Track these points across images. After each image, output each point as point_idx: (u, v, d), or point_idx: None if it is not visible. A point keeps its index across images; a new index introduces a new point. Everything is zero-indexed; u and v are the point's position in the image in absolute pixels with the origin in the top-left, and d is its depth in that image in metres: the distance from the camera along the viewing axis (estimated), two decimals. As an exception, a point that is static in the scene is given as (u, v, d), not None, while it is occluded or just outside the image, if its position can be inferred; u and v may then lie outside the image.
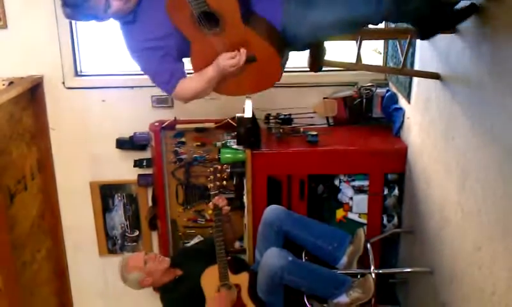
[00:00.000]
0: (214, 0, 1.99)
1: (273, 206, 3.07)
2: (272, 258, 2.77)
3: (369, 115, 3.65)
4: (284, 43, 2.19)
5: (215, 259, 2.89)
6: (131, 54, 2.24)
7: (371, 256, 2.94)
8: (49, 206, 3.97)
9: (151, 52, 2.20)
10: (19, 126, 3.56)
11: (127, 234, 4.13)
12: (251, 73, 2.21)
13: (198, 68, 2.22)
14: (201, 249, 3.20)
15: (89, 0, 2.04)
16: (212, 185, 2.95)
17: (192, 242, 3.82)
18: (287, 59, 2.32)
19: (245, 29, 2.07)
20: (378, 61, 3.84)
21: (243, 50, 2.11)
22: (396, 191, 3.37)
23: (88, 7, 2.06)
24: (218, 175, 2.96)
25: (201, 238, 3.80)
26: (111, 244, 4.16)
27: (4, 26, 3.61)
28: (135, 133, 3.81)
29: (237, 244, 3.75)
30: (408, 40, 2.58)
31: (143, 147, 3.86)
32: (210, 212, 3.48)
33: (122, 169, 3.93)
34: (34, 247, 3.77)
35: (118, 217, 4.09)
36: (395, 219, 3.42)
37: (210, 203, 2.95)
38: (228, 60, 2.12)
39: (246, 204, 3.42)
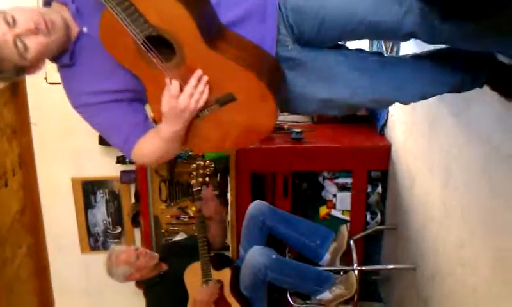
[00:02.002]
0: (158, 18, 1.38)
1: (257, 202, 3.07)
2: (255, 255, 2.76)
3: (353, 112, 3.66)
4: (280, 75, 1.55)
5: (198, 255, 2.88)
6: (73, 107, 1.67)
7: (354, 253, 2.95)
8: (30, 203, 3.92)
9: (98, 107, 1.63)
10: (0, 121, 3.51)
11: (109, 231, 4.09)
12: (229, 122, 1.57)
13: (158, 117, 1.58)
14: (186, 244, 3.19)
15: None
16: (194, 181, 2.93)
17: (176, 239, 3.80)
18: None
19: (212, 54, 1.42)
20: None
21: (202, 82, 1.46)
22: (379, 188, 3.39)
23: None
24: (201, 171, 2.94)
25: (185, 236, 3.79)
26: (93, 240, 4.12)
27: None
28: (118, 129, 3.78)
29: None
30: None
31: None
32: (193, 209, 3.46)
33: (105, 165, 3.89)
34: (15, 243, 3.72)
35: (100, 213, 4.05)
36: (379, 216, 3.44)
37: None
38: (172, 100, 1.46)
39: (229, 201, 3.41)
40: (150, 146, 1.64)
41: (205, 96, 1.48)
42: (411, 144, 2.86)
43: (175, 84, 1.46)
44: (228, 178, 3.37)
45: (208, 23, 1.45)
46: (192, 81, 1.46)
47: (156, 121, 1.63)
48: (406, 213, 2.94)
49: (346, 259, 2.99)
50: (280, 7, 1.54)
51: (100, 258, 3.11)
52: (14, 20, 1.46)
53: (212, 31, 1.46)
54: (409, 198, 2.89)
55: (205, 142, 1.67)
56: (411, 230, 2.85)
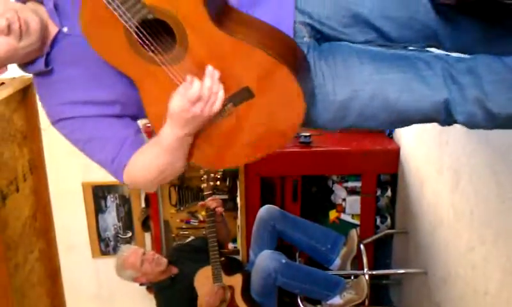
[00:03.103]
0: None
1: (267, 206, 3.07)
2: (265, 260, 2.76)
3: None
4: (304, 61, 1.29)
5: (209, 258, 2.89)
6: (50, 122, 1.45)
7: (364, 257, 2.94)
8: (41, 208, 3.94)
9: (80, 121, 1.38)
10: (10, 127, 3.54)
11: (119, 235, 4.10)
12: (246, 123, 1.28)
13: (158, 128, 1.29)
14: (196, 246, 3.19)
15: None
16: (205, 185, 2.94)
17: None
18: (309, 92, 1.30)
19: (222, 36, 1.15)
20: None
21: (215, 79, 1.19)
22: (389, 192, 3.38)
23: None
24: (211, 176, 2.95)
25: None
26: (103, 245, 4.13)
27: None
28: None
29: (230, 245, 3.75)
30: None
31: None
32: (203, 213, 3.47)
33: (115, 170, 3.90)
34: (27, 248, 3.75)
35: (111, 218, 4.06)
36: (388, 220, 3.43)
37: (202, 203, 2.94)
38: (187, 102, 1.19)
39: (239, 206, 3.41)
40: (148, 160, 1.34)
41: (221, 99, 1.21)
42: (420, 147, 2.84)
43: (196, 86, 1.17)
44: (238, 183, 3.38)
45: (216, 0, 1.19)
46: (208, 81, 1.18)
47: (149, 131, 1.39)
48: (416, 217, 2.92)
49: (356, 263, 2.98)
50: None
51: (111, 262, 3.13)
52: None
53: (219, 9, 1.19)
54: (418, 202, 2.88)
55: (216, 153, 1.35)
56: (421, 234, 2.83)
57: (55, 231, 4.10)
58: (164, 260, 2.99)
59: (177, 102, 1.21)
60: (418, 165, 2.89)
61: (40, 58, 1.34)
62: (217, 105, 1.21)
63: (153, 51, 1.19)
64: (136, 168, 1.37)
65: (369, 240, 3.27)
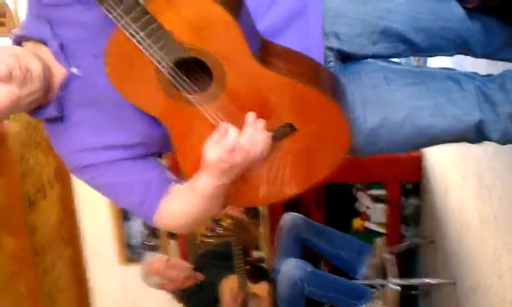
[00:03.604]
0: (190, 34, 1.04)
1: (291, 214, 3.05)
2: (291, 268, 2.75)
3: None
4: (344, 92, 1.24)
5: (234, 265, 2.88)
6: (69, 169, 1.34)
7: (390, 267, 2.91)
8: (68, 215, 4.00)
9: (102, 167, 1.29)
10: (36, 134, 3.60)
11: (145, 243, 4.13)
12: (288, 159, 1.23)
13: (190, 170, 1.23)
14: (221, 252, 3.18)
15: None
16: None
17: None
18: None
19: (262, 72, 1.10)
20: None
21: (259, 128, 1.13)
22: (414, 200, 3.34)
23: None
24: None
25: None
26: (130, 252, 4.16)
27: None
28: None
29: (255, 253, 3.74)
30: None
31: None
32: (228, 221, 3.47)
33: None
34: (55, 254, 3.80)
35: (137, 225, 4.09)
36: (415, 228, 3.38)
37: (224, 211, 2.94)
38: (225, 152, 1.12)
39: (263, 214, 3.40)
40: (183, 208, 1.28)
41: (265, 144, 1.14)
42: (443, 154, 2.81)
43: (232, 134, 1.10)
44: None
45: (252, 33, 1.13)
46: (250, 129, 1.12)
47: (179, 174, 1.31)
48: (442, 224, 2.88)
49: (382, 273, 2.95)
50: (323, 13, 1.27)
51: (137, 269, 3.15)
52: None
53: (258, 42, 1.14)
54: (444, 209, 2.84)
55: (256, 191, 1.28)
56: (448, 242, 2.79)
57: (82, 238, 4.16)
58: (188, 266, 3.00)
59: (213, 150, 1.13)
60: (442, 172, 2.85)
61: (50, 103, 1.25)
62: (262, 151, 1.15)
63: (186, 90, 1.12)
64: (169, 215, 1.31)
65: (395, 248, 3.23)
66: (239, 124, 1.13)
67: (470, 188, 2.40)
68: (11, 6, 3.48)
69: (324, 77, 1.21)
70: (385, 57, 1.34)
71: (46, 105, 1.25)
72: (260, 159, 1.16)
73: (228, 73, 1.09)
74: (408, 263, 3.47)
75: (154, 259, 3.01)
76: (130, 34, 1.02)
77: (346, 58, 1.32)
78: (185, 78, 1.10)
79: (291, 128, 1.17)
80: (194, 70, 1.11)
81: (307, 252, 3.01)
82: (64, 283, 3.95)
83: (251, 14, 1.14)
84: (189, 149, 1.21)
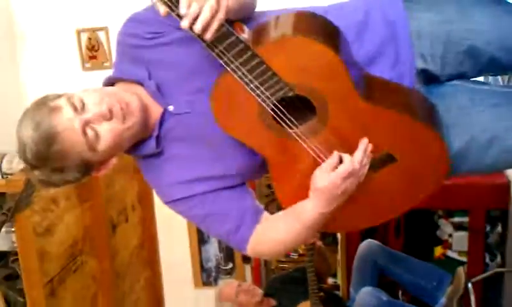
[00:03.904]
0: (296, 74, 1.11)
1: (368, 241, 3.01)
2: (366, 297, 2.70)
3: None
4: (440, 119, 1.26)
5: (308, 291, 2.86)
6: (165, 202, 1.41)
7: (473, 298, 2.79)
8: (149, 238, 4.12)
9: (199, 198, 1.34)
10: (125, 158, 3.75)
11: (221, 266, 4.18)
12: (385, 186, 1.27)
13: (288, 199, 1.31)
14: (295, 277, 3.17)
15: (56, 142, 1.17)
16: None
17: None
18: None
19: (365, 107, 1.15)
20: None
21: (363, 149, 1.19)
22: (499, 228, 3.20)
23: (61, 156, 1.20)
24: None
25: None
26: (205, 276, 4.22)
27: (111, 67, 3.84)
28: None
29: (330, 280, 3.70)
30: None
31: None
32: (303, 246, 3.46)
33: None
34: (134, 277, 3.91)
35: (213, 249, 4.15)
36: (499, 258, 3.24)
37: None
38: (338, 179, 1.18)
39: (339, 240, 3.37)
40: (283, 235, 1.31)
41: (366, 169, 1.22)
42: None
43: (348, 162, 1.18)
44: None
45: (353, 65, 1.17)
46: (360, 155, 1.19)
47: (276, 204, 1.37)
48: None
49: (464, 303, 2.84)
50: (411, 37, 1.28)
51: (211, 293, 3.19)
52: (83, 104, 1.21)
53: (357, 74, 1.18)
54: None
55: (350, 218, 1.32)
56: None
57: (160, 261, 4.26)
58: (260, 291, 3.00)
59: (325, 178, 1.20)
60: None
61: (148, 140, 1.32)
62: (363, 178, 1.23)
63: (288, 126, 1.19)
64: (267, 243, 1.36)
65: (478, 278, 3.09)
66: (344, 148, 1.20)
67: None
68: (103, 39, 3.68)
69: (425, 108, 1.24)
70: (471, 76, 1.34)
71: (144, 142, 1.32)
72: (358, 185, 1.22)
73: (331, 108, 1.15)
74: (491, 294, 3.32)
75: (226, 284, 3.05)
76: (239, 76, 1.10)
77: (430, 80, 1.32)
78: (288, 114, 1.17)
79: (391, 158, 1.22)
80: (295, 104, 1.17)
81: (384, 281, 2.94)
82: (142, 306, 4.05)
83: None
84: (287, 179, 1.27)
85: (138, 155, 1.37)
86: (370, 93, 1.17)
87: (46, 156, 1.19)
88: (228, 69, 1.10)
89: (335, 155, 1.20)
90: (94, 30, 3.67)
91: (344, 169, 1.18)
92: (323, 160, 1.21)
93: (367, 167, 1.21)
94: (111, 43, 3.75)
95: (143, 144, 1.33)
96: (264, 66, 1.09)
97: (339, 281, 3.49)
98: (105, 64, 3.74)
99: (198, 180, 1.33)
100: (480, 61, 1.28)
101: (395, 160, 1.22)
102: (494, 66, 1.31)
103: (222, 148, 1.30)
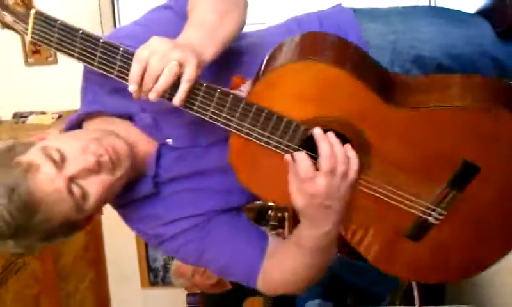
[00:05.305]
0: (309, 107, 0.92)
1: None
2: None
3: None
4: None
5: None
6: (151, 243, 1.30)
7: (416, 292, 2.84)
8: (94, 238, 4.03)
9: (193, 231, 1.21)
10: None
11: (168, 266, 4.13)
12: (481, 211, 0.98)
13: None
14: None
15: (39, 212, 0.98)
16: (272, 214, 2.97)
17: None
18: None
19: (409, 115, 0.92)
20: None
21: (321, 139, 0.94)
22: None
23: (44, 227, 1.02)
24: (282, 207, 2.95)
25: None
26: (153, 275, 4.17)
27: (55, 62, 3.73)
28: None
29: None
30: None
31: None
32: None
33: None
34: (78, 278, 3.83)
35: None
36: None
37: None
38: (306, 185, 0.96)
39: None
40: (288, 266, 1.14)
41: (355, 165, 0.96)
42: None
43: (302, 159, 0.94)
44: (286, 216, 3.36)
45: (372, 73, 0.95)
46: (324, 148, 0.94)
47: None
48: None
49: (407, 298, 2.89)
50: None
51: (159, 293, 3.13)
52: (62, 156, 1.00)
53: (383, 84, 0.95)
54: None
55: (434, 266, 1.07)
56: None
57: (106, 261, 4.17)
58: (214, 276, 2.99)
59: (295, 192, 0.98)
60: None
61: (141, 181, 1.15)
62: (353, 175, 0.96)
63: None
64: (274, 279, 1.18)
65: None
66: (410, 189, 0.96)
67: None
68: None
69: (477, 87, 0.99)
70: None
71: (134, 185, 1.15)
72: (356, 181, 0.98)
73: (368, 134, 0.92)
74: (432, 287, 3.39)
75: (181, 264, 3.02)
76: (246, 134, 0.94)
77: None
78: (316, 155, 0.95)
79: (472, 167, 0.92)
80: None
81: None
82: (87, 306, 3.96)
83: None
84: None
85: (132, 198, 1.18)
86: (399, 97, 0.94)
87: (26, 227, 0.99)
88: (230, 129, 0.94)
89: (287, 156, 0.99)
90: (37, 24, 3.55)
91: (302, 172, 0.96)
92: (391, 198, 0.98)
93: (353, 160, 0.95)
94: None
95: (132, 189, 1.15)
96: (265, 111, 0.91)
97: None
98: (49, 59, 3.63)
99: (207, 214, 1.18)
100: (428, 70, 1.24)
101: (477, 168, 0.92)
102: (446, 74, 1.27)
103: (231, 181, 1.10)
